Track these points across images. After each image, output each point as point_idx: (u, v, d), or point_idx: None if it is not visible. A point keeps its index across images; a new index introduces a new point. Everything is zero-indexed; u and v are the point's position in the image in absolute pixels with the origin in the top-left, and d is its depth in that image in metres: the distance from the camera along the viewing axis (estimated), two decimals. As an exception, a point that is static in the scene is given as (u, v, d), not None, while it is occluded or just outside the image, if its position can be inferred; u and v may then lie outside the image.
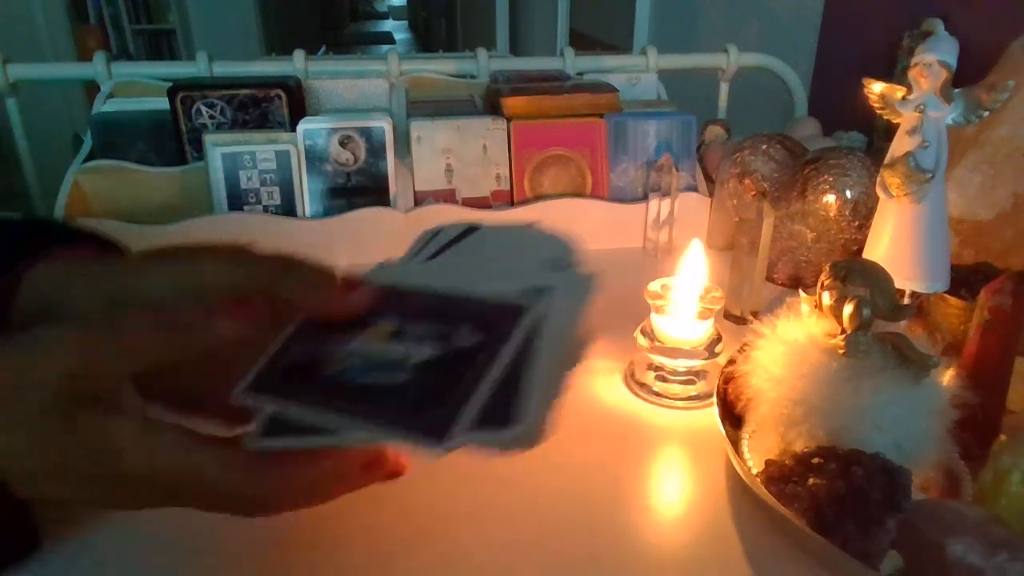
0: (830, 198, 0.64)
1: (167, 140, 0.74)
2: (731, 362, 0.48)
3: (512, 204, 0.75)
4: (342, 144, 0.72)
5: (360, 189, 0.72)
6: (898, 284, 0.48)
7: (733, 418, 0.45)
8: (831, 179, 0.64)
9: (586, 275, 0.35)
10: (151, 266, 0.33)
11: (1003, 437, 0.39)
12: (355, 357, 0.31)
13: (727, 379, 0.47)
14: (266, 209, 0.71)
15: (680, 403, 0.50)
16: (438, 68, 0.96)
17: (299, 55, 0.95)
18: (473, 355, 0.30)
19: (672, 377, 0.51)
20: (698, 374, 0.51)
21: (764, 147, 0.71)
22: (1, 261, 0.32)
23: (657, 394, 0.51)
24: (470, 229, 0.39)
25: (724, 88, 1.09)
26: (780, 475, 0.38)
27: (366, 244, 0.70)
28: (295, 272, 0.33)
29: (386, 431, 0.28)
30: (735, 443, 0.43)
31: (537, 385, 0.29)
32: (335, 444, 0.30)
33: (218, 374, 0.32)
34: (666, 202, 0.74)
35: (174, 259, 0.33)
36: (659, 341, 0.51)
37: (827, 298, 0.42)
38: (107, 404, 0.28)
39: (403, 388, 0.29)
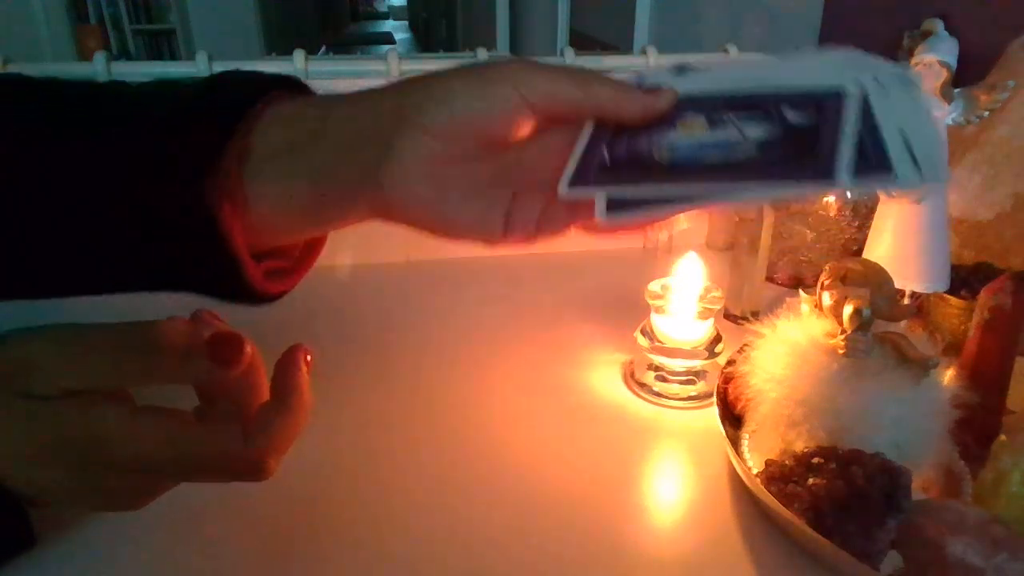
0: (830, 198, 0.64)
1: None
2: (731, 362, 0.48)
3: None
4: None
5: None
6: (898, 284, 0.48)
7: (733, 418, 0.45)
8: (831, 179, 0.64)
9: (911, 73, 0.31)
10: None
11: (1003, 437, 0.39)
12: (683, 146, 0.31)
13: (727, 379, 0.47)
14: (266, 209, 0.71)
15: (680, 403, 0.50)
16: (438, 68, 0.96)
17: (299, 55, 0.95)
18: (814, 130, 0.28)
19: (672, 377, 0.51)
20: (698, 374, 0.51)
21: (764, 147, 0.71)
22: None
23: (657, 394, 0.50)
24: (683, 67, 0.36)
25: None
26: (780, 475, 0.38)
27: (367, 243, 0.71)
28: (602, 81, 0.33)
29: (772, 183, 0.28)
30: (735, 443, 0.43)
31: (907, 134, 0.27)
32: (690, 205, 0.30)
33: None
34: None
35: None
36: (659, 341, 0.51)
37: (827, 298, 0.42)
38: (91, 394, 0.28)
39: (758, 156, 0.29)
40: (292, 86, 0.36)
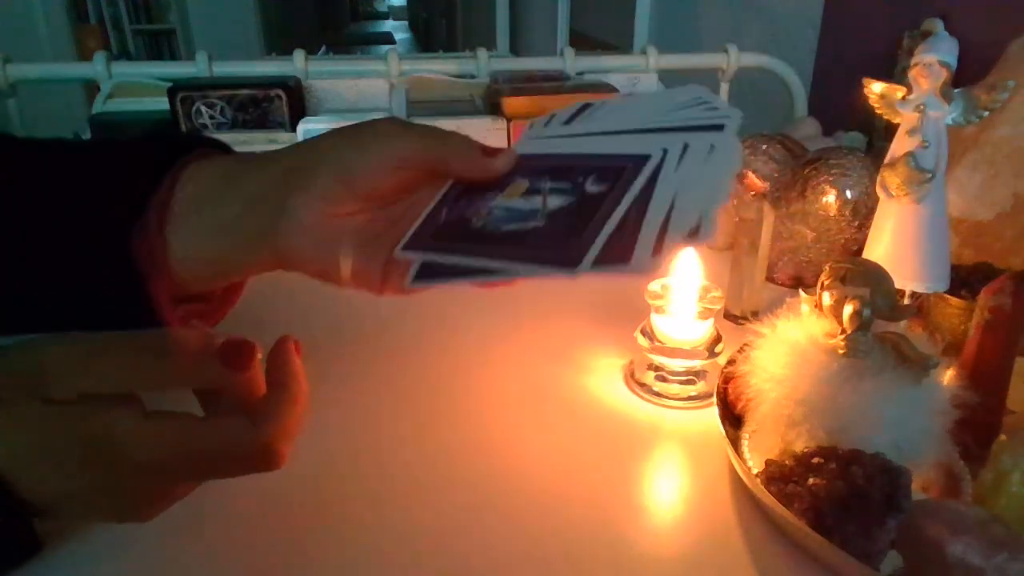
0: (830, 198, 0.64)
1: (167, 140, 0.74)
2: (731, 362, 0.48)
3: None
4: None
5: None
6: (898, 284, 0.48)
7: (733, 418, 0.45)
8: (831, 179, 0.64)
9: (730, 137, 0.35)
10: None
11: (1003, 437, 0.39)
12: (497, 210, 0.36)
13: (727, 379, 0.47)
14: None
15: (680, 403, 0.50)
16: (438, 68, 0.96)
17: (299, 55, 0.95)
18: (600, 199, 0.33)
19: (672, 377, 0.51)
20: (698, 374, 0.51)
21: (764, 147, 0.71)
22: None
23: (657, 394, 0.51)
24: (584, 107, 0.42)
25: (724, 88, 1.09)
26: (780, 475, 0.38)
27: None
28: (453, 138, 0.38)
29: (526, 264, 0.32)
30: (735, 443, 0.43)
31: (653, 227, 0.31)
32: (481, 278, 0.34)
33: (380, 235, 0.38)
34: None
35: None
36: (659, 341, 0.51)
37: (827, 298, 0.42)
38: (105, 399, 0.28)
39: (538, 231, 0.34)
40: (218, 146, 0.40)
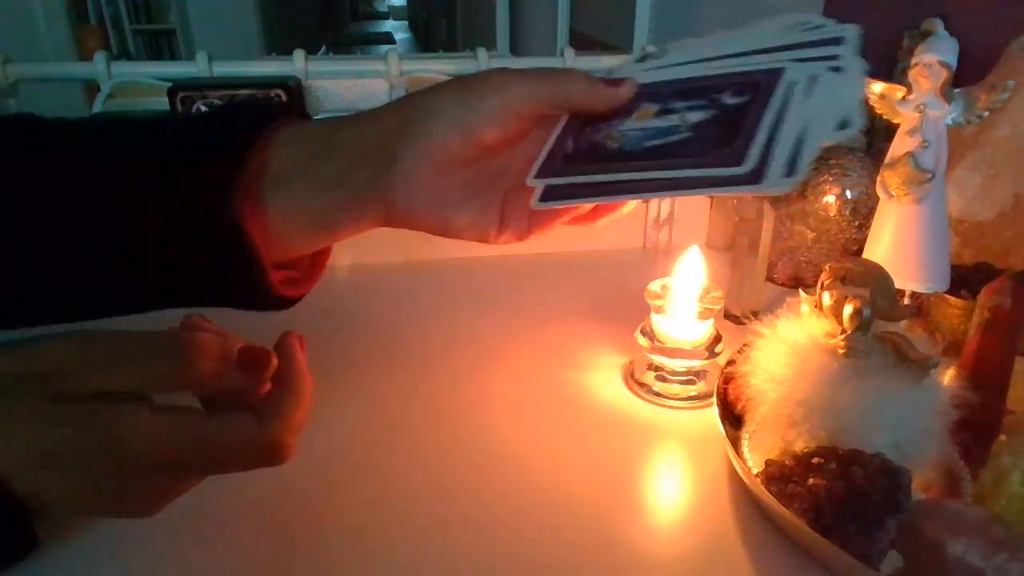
0: (830, 198, 0.64)
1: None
2: (731, 362, 0.48)
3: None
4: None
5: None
6: (898, 284, 0.48)
7: (733, 418, 0.45)
8: (831, 179, 0.64)
9: (851, 47, 0.35)
10: None
11: (1003, 437, 0.39)
12: (631, 132, 0.35)
13: (727, 379, 0.47)
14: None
15: (680, 403, 0.50)
16: (438, 68, 0.96)
17: (299, 55, 0.95)
18: (746, 108, 0.33)
19: (672, 377, 0.51)
20: (698, 374, 0.51)
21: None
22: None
23: (657, 394, 0.50)
24: (678, 44, 0.41)
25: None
26: (780, 475, 0.38)
27: (367, 243, 0.70)
28: (572, 75, 0.37)
29: (686, 170, 0.32)
30: (735, 443, 0.43)
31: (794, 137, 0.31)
32: (615, 196, 0.34)
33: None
34: (666, 202, 0.74)
35: None
36: (659, 341, 0.51)
37: (827, 298, 0.42)
38: (114, 395, 0.28)
39: (687, 143, 0.33)
40: (297, 114, 0.39)
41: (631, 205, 0.40)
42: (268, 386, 0.32)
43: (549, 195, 0.35)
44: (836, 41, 0.35)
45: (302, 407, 0.31)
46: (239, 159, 0.34)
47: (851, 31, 0.36)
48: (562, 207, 0.36)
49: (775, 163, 0.30)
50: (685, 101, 0.35)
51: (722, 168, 0.31)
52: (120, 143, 0.37)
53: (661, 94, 0.37)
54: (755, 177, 0.30)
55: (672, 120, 0.35)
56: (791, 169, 0.30)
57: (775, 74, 0.34)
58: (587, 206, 0.39)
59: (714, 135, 0.33)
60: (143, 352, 0.28)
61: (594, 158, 0.35)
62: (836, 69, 0.34)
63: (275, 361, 0.31)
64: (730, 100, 0.34)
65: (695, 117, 0.34)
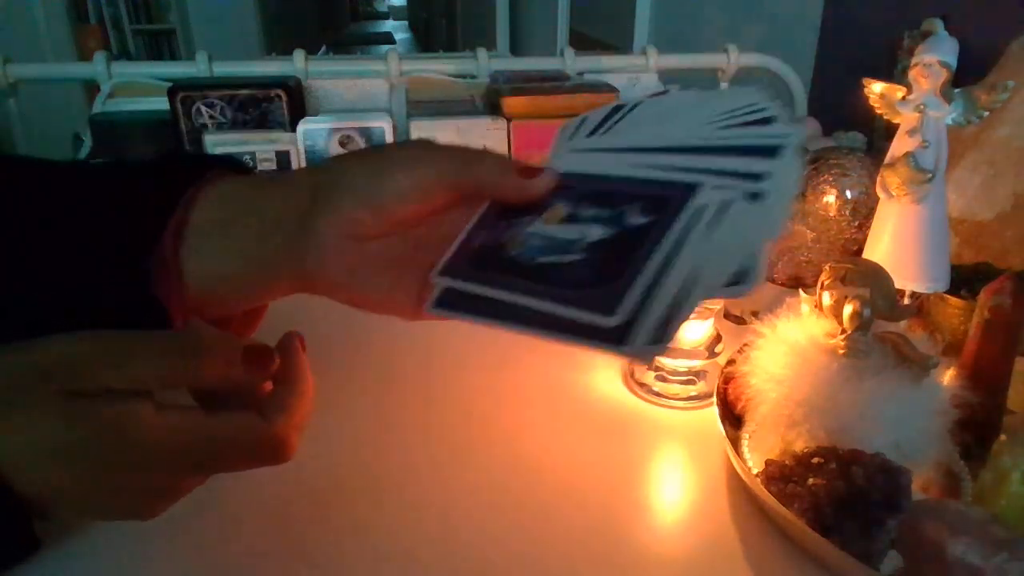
0: (830, 198, 0.64)
1: (167, 140, 0.74)
2: (731, 362, 0.48)
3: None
4: (342, 144, 0.72)
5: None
6: (898, 284, 0.48)
7: (733, 418, 0.45)
8: (831, 179, 0.64)
9: (792, 162, 0.31)
10: None
11: (1003, 437, 0.39)
12: (534, 238, 0.33)
13: (727, 379, 0.47)
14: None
15: (680, 403, 0.50)
16: (438, 68, 0.96)
17: (299, 55, 0.95)
18: (643, 234, 0.30)
19: (672, 377, 0.51)
20: (698, 374, 0.51)
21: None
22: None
23: (657, 394, 0.51)
24: (617, 109, 0.39)
25: (724, 88, 1.09)
26: (780, 475, 0.38)
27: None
28: (485, 160, 0.36)
29: (559, 306, 0.29)
30: (735, 443, 0.43)
31: (673, 290, 0.28)
32: (503, 325, 0.31)
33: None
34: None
35: None
36: (659, 341, 0.51)
37: (827, 298, 0.42)
38: (120, 392, 0.28)
39: (575, 266, 0.31)
40: (233, 166, 0.39)
41: None
42: (270, 386, 0.32)
43: (443, 301, 0.33)
44: (772, 150, 0.32)
45: (304, 405, 0.32)
46: (160, 223, 0.34)
47: (793, 137, 0.32)
48: (450, 318, 0.33)
49: (644, 325, 0.27)
50: (594, 208, 0.33)
51: (590, 312, 0.28)
52: (50, 183, 0.37)
53: (575, 193, 0.35)
54: (619, 336, 0.27)
55: (572, 233, 0.32)
56: (659, 336, 0.27)
57: (686, 193, 0.31)
58: None
59: (601, 264, 0.30)
60: (151, 349, 0.29)
61: (493, 263, 0.33)
62: (754, 196, 0.30)
63: (278, 359, 0.31)
64: (633, 219, 0.31)
65: (595, 234, 0.32)
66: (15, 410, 0.27)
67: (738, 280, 0.27)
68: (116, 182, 0.38)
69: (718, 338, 0.51)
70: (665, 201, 0.31)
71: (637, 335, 0.27)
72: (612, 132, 0.38)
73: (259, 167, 0.70)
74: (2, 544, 0.29)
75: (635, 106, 0.39)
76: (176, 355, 0.29)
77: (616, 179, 0.35)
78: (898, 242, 0.52)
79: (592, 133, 0.39)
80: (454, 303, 0.33)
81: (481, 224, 0.36)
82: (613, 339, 0.27)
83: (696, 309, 0.49)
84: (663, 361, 0.50)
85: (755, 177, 0.31)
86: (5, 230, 0.35)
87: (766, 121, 0.34)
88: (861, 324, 0.40)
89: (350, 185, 0.35)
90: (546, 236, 0.33)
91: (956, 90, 0.50)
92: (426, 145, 0.36)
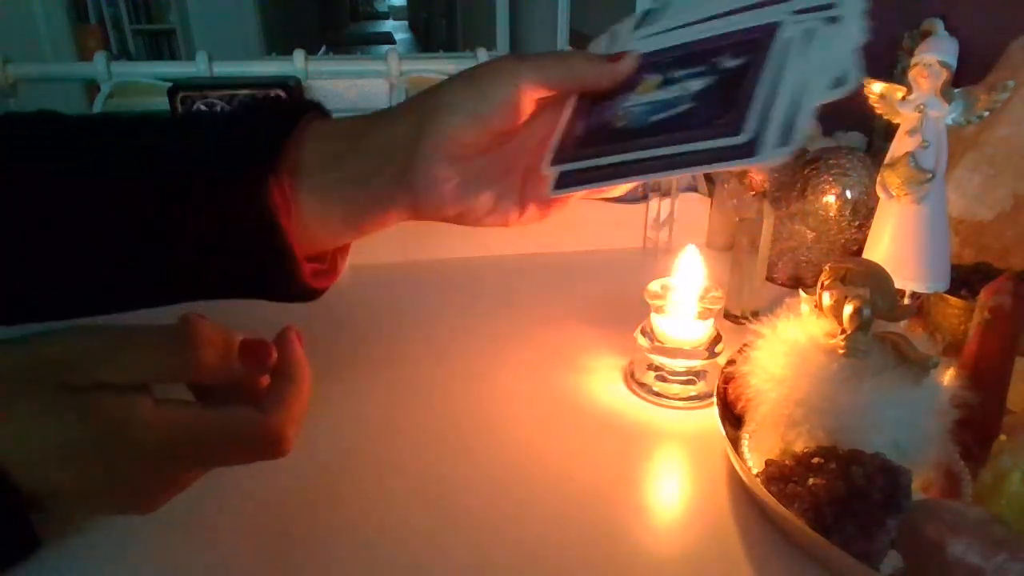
0: (830, 198, 0.64)
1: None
2: (731, 362, 0.48)
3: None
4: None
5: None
6: (898, 284, 0.48)
7: (733, 418, 0.45)
8: (831, 179, 0.64)
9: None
10: None
11: (1003, 437, 0.39)
12: (637, 107, 0.36)
13: (727, 379, 0.47)
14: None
15: (680, 403, 0.50)
16: (438, 68, 0.97)
17: (299, 55, 0.95)
18: (744, 70, 0.33)
19: (672, 377, 0.51)
20: (698, 374, 0.51)
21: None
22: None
23: (657, 394, 0.50)
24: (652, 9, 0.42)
25: None
26: (780, 475, 0.38)
27: (367, 243, 0.70)
28: (575, 56, 0.39)
29: (688, 144, 0.32)
30: (735, 443, 0.43)
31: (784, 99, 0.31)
32: (631, 178, 0.34)
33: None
34: (666, 202, 0.74)
35: None
36: (659, 341, 0.51)
37: (827, 298, 0.42)
38: (119, 386, 0.28)
39: (689, 113, 0.33)
40: (321, 110, 0.40)
41: None
42: (267, 380, 0.32)
43: (563, 182, 0.36)
44: None
45: (301, 399, 0.32)
46: (274, 157, 0.36)
47: None
48: (574, 193, 0.37)
49: (771, 132, 0.30)
50: (685, 69, 0.36)
51: (720, 139, 0.31)
52: (152, 142, 0.38)
53: (662, 63, 0.37)
54: (750, 150, 0.30)
55: (674, 91, 0.35)
56: (786, 138, 0.30)
57: (771, 30, 0.34)
58: None
59: (715, 103, 0.33)
60: (148, 343, 0.29)
61: (604, 139, 0.36)
62: (832, 20, 0.33)
63: (275, 353, 0.31)
64: (729, 63, 0.34)
65: (696, 85, 0.34)
66: (15, 406, 0.27)
67: (840, 84, 0.31)
68: (223, 128, 0.39)
69: (718, 338, 0.51)
70: (752, 42, 0.34)
71: (766, 144, 0.30)
72: (677, 13, 0.40)
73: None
74: (2, 543, 0.29)
75: None
76: (172, 349, 0.29)
77: (697, 43, 0.37)
78: (898, 242, 0.52)
79: (645, 22, 0.41)
80: (574, 181, 0.36)
81: (575, 117, 0.38)
82: (745, 153, 0.30)
83: (696, 309, 0.50)
84: (663, 361, 0.50)
85: (827, 7, 0.34)
86: (120, 184, 0.35)
87: None
88: (861, 324, 0.40)
89: (453, 102, 0.37)
90: (648, 102, 0.35)
91: (956, 90, 0.50)
92: (515, 56, 0.38)
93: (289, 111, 0.39)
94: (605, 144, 0.35)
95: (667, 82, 0.36)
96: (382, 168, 0.37)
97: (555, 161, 0.37)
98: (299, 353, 0.33)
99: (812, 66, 0.32)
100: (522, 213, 0.40)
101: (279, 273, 0.37)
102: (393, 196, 0.38)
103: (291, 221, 0.36)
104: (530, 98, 0.37)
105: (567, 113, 0.39)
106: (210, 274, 0.37)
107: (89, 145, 0.37)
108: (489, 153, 0.38)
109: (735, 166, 0.31)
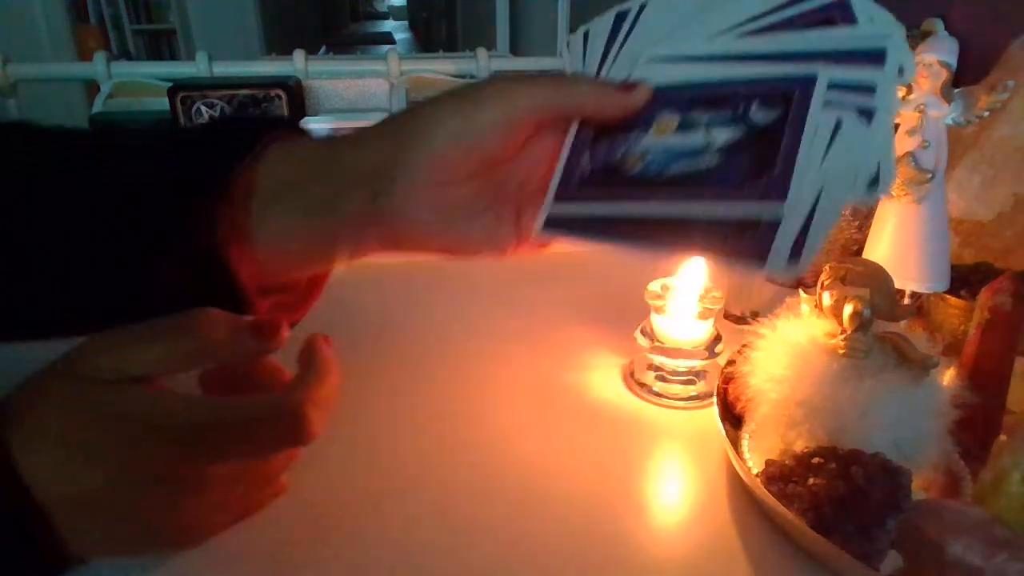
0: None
1: (167, 140, 0.74)
2: (731, 362, 0.48)
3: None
4: (342, 144, 0.72)
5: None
6: (898, 284, 0.48)
7: (733, 418, 0.45)
8: (831, 179, 0.64)
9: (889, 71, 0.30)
10: None
11: (1003, 437, 0.39)
12: (652, 152, 0.32)
13: (727, 379, 0.47)
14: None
15: (680, 403, 0.50)
16: (438, 68, 0.97)
17: (299, 55, 0.95)
18: (777, 130, 0.29)
19: (672, 377, 0.51)
20: (698, 374, 0.51)
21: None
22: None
23: (657, 394, 0.50)
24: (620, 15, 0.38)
25: None
26: (780, 475, 0.38)
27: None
28: (581, 82, 0.35)
29: (711, 207, 0.28)
30: (735, 443, 0.43)
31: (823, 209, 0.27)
32: (636, 244, 0.30)
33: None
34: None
35: None
36: (659, 341, 0.51)
37: (827, 298, 0.42)
38: (135, 379, 0.28)
39: (715, 170, 0.29)
40: (292, 129, 0.38)
41: None
42: (289, 376, 0.32)
43: (553, 223, 0.33)
44: (874, 53, 0.31)
45: (327, 384, 0.31)
46: (225, 183, 0.33)
47: (896, 35, 0.31)
48: (561, 240, 0.33)
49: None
50: (707, 113, 0.32)
51: (761, 202, 0.28)
52: (111, 162, 0.36)
53: (679, 100, 0.33)
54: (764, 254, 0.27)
55: (695, 140, 0.31)
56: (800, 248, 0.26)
57: (807, 84, 0.30)
58: None
59: (750, 162, 0.29)
60: (160, 332, 0.29)
61: (614, 182, 0.32)
62: (865, 113, 0.29)
63: (286, 327, 0.31)
64: (760, 115, 0.30)
65: (722, 137, 0.30)
66: (32, 405, 0.27)
67: (874, 184, 0.27)
68: (172, 146, 0.37)
69: (718, 338, 0.51)
70: (786, 94, 0.30)
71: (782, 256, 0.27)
72: (675, 33, 0.36)
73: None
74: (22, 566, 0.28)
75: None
76: (182, 333, 0.29)
77: (720, 84, 0.33)
78: (898, 242, 0.52)
79: (626, 37, 0.37)
80: (564, 226, 0.33)
81: (578, 149, 0.35)
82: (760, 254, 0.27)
83: (696, 309, 0.50)
84: (663, 361, 0.50)
85: (867, 90, 0.30)
86: (66, 200, 0.34)
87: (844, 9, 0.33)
88: (861, 324, 0.40)
89: (440, 123, 0.33)
90: (666, 149, 0.32)
91: (956, 90, 0.50)
92: (514, 77, 0.35)
93: (249, 132, 0.35)
94: (616, 188, 0.32)
95: (686, 126, 0.32)
96: (350, 194, 0.34)
97: (558, 198, 0.33)
98: (326, 351, 0.33)
99: (845, 156, 0.28)
100: (519, 244, 0.37)
101: (229, 308, 0.34)
102: (362, 226, 0.34)
103: (243, 255, 0.33)
104: (525, 124, 0.34)
105: (569, 139, 0.35)
106: (158, 303, 0.34)
107: (44, 161, 0.35)
108: (476, 180, 0.35)
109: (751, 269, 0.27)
